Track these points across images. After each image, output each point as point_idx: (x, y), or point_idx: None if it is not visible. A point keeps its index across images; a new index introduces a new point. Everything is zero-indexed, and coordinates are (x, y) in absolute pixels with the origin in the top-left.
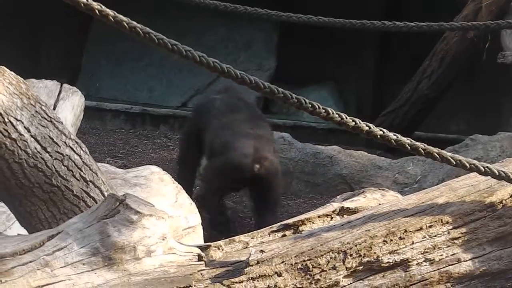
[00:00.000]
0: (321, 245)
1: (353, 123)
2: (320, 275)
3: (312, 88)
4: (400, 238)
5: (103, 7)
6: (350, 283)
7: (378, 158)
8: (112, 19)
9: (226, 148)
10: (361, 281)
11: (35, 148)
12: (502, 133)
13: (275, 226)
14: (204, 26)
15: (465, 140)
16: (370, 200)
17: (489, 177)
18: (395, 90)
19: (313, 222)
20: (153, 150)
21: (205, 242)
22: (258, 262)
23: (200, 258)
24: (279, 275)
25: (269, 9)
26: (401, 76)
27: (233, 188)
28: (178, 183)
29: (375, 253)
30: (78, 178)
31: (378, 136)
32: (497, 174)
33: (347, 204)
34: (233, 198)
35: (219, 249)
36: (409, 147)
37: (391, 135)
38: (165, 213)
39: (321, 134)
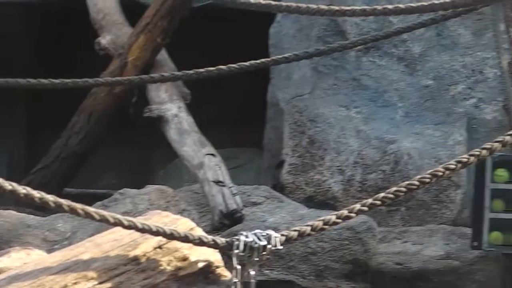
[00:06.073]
0: None
1: None
2: None
3: None
4: None
5: None
6: None
7: (27, 216)
8: None
9: None
10: None
11: None
12: (150, 186)
13: None
14: None
15: (114, 194)
16: (14, 260)
17: (133, 230)
18: (49, 147)
19: None
20: None
21: None
22: None
23: None
24: None
25: None
26: (53, 132)
27: None
28: None
29: None
30: None
31: (22, 195)
32: (141, 227)
33: None
34: None
35: None
36: (53, 204)
37: (35, 193)
38: None
39: None
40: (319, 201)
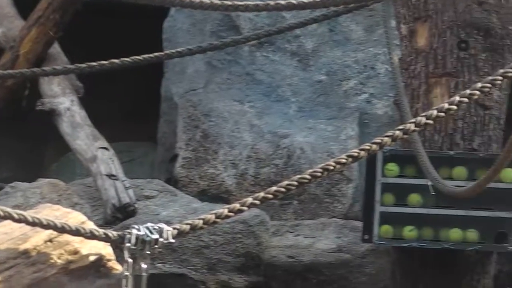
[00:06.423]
0: None
1: None
2: None
3: None
4: None
5: None
6: None
7: None
8: None
9: None
10: None
11: None
12: (42, 179)
13: None
14: None
15: (5, 188)
16: None
17: (23, 224)
18: None
19: None
20: None
21: None
22: None
23: None
24: None
25: None
26: None
27: None
28: None
29: None
30: None
31: None
32: (31, 221)
33: None
34: None
35: None
36: None
37: None
38: None
39: None
40: (213, 194)
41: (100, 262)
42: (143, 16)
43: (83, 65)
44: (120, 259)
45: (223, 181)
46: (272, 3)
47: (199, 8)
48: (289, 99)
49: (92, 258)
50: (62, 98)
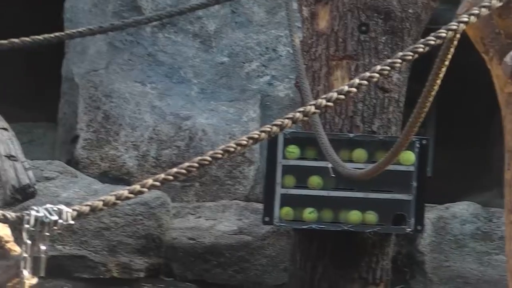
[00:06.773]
0: None
1: None
2: None
3: None
4: None
5: None
6: None
7: None
8: None
9: None
10: None
11: None
12: None
13: None
14: None
15: None
16: None
17: None
18: None
19: None
20: None
21: None
22: None
23: None
24: None
25: None
26: None
27: None
28: None
29: None
30: None
31: None
32: None
33: None
34: None
35: None
36: None
37: None
38: None
39: None
40: (114, 176)
41: None
42: None
43: None
44: (19, 240)
45: (124, 162)
46: None
47: None
48: (191, 81)
49: None
50: None
